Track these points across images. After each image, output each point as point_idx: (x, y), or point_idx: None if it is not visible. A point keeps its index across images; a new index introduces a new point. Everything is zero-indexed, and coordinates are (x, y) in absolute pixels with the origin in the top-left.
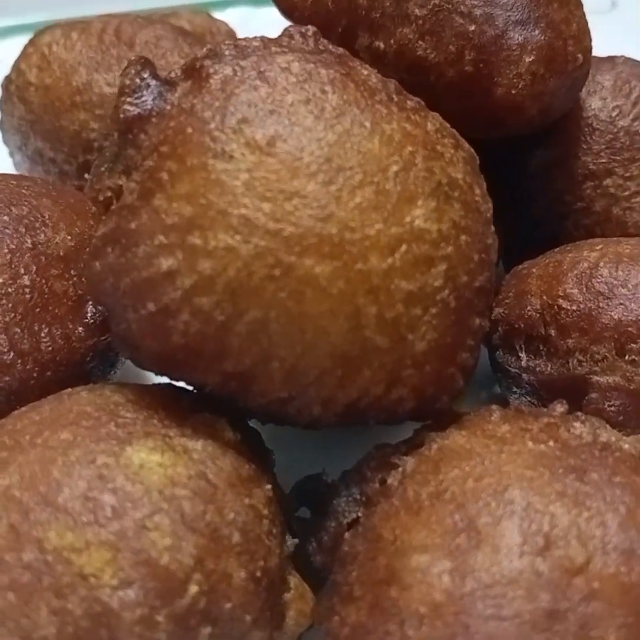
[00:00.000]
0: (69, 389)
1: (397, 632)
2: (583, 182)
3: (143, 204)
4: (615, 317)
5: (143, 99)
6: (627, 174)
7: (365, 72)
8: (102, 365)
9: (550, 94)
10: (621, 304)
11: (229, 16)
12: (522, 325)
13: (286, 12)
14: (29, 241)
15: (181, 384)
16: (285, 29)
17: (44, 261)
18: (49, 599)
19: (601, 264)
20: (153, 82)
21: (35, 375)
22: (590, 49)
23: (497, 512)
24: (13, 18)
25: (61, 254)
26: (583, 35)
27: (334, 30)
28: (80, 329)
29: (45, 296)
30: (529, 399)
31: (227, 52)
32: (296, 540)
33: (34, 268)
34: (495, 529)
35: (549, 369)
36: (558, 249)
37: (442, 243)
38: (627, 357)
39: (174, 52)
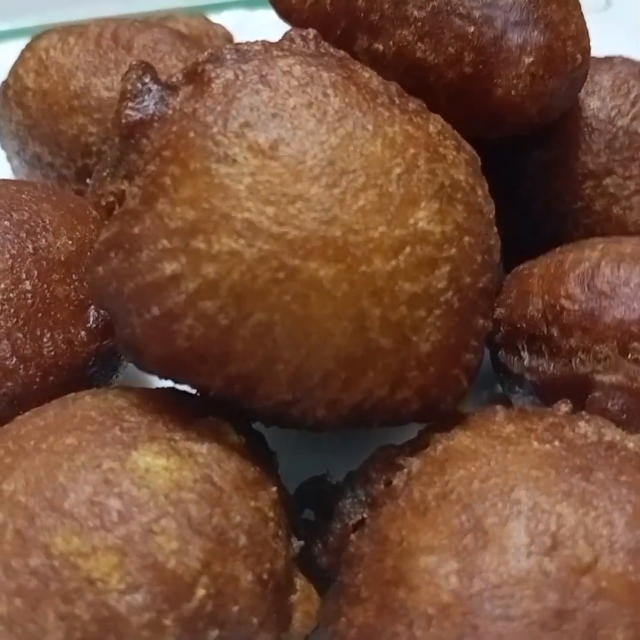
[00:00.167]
0: (73, 394)
1: (406, 633)
2: (583, 181)
3: (146, 208)
4: (618, 316)
5: (145, 103)
6: (627, 174)
7: (367, 75)
8: (104, 369)
9: (550, 95)
10: (623, 303)
11: (225, 19)
12: (524, 325)
13: (284, 14)
14: (30, 246)
15: (184, 387)
16: (286, 33)
17: (45, 266)
18: (56, 604)
19: (603, 263)
20: (154, 87)
21: (38, 380)
22: (589, 49)
23: (503, 512)
24: (9, 22)
25: (62, 258)
26: (582, 36)
27: (333, 32)
28: (83, 333)
29: (47, 301)
30: (531, 398)
31: (228, 56)
32: (302, 542)
33: (36, 273)
34: (502, 529)
35: (551, 368)
36: (559, 248)
37: (446, 245)
38: (630, 356)
39: (172, 56)
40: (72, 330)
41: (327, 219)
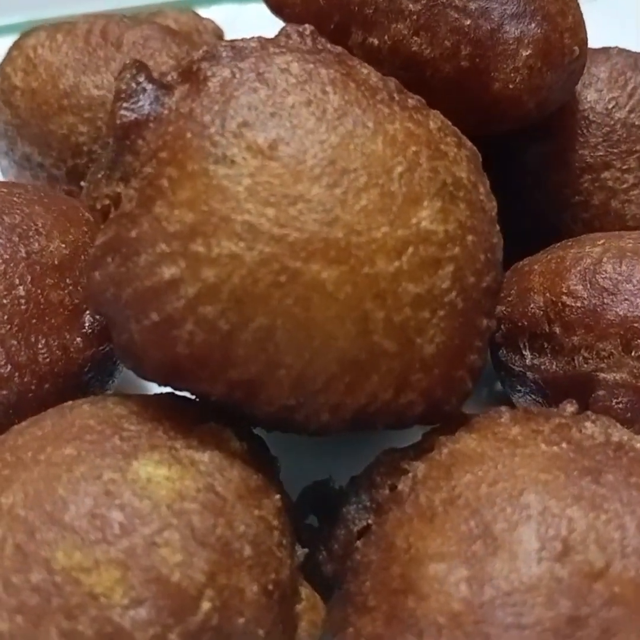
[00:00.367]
0: (70, 402)
1: None
2: (581, 175)
3: (143, 211)
4: (621, 313)
5: (140, 103)
6: (625, 167)
7: (365, 71)
8: (100, 375)
9: (548, 88)
10: (626, 299)
11: (214, 14)
12: (526, 323)
13: (276, 9)
14: (22, 250)
15: (183, 393)
16: (282, 28)
17: (38, 271)
18: (59, 620)
19: (604, 259)
20: (149, 86)
21: (33, 388)
22: (586, 41)
23: (513, 517)
24: None
25: (56, 262)
26: (579, 27)
27: (326, 27)
28: (79, 339)
29: (41, 306)
30: (533, 397)
31: (224, 54)
32: (306, 550)
33: (29, 278)
34: (512, 535)
35: (554, 366)
36: (559, 244)
37: (449, 244)
38: (633, 353)
39: (163, 52)
40: (68, 336)
41: (329, 220)
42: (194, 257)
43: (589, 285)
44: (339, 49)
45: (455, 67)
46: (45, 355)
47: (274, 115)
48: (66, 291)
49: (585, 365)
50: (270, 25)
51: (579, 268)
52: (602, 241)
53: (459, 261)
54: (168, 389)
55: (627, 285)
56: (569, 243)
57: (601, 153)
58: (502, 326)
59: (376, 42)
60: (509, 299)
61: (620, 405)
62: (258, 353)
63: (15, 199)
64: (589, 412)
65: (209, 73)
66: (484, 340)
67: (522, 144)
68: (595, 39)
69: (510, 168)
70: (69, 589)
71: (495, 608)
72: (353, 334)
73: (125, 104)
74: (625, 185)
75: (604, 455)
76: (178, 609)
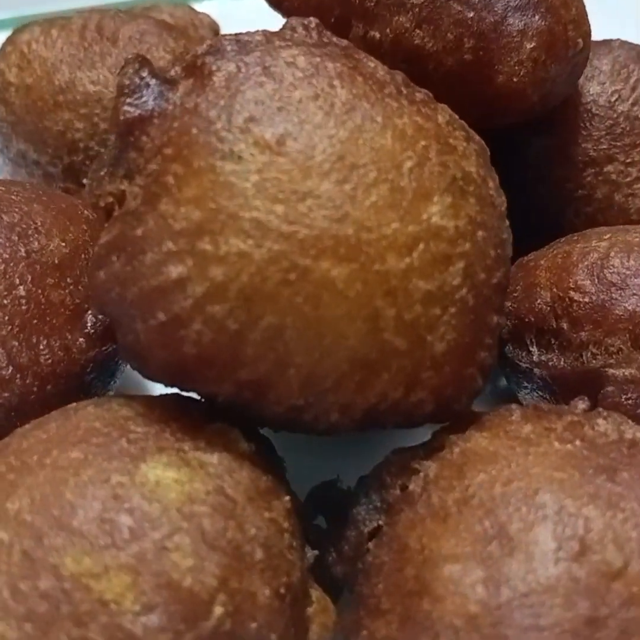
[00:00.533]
0: (74, 404)
1: None
2: (584, 169)
3: (149, 209)
4: (630, 308)
5: (143, 99)
6: (628, 160)
7: (372, 65)
8: (102, 375)
9: (552, 81)
10: (635, 294)
11: (207, 8)
12: (533, 319)
13: (275, 3)
14: (22, 250)
15: (189, 393)
16: (287, 21)
17: (39, 270)
18: (69, 628)
19: (612, 254)
20: (153, 81)
21: (35, 389)
22: (589, 33)
23: (528, 517)
24: None
25: (56, 261)
26: (582, 20)
27: (327, 20)
28: (81, 339)
29: (42, 307)
30: (540, 393)
31: (228, 48)
32: (316, 552)
33: (30, 278)
34: (528, 535)
35: (562, 362)
36: (564, 239)
37: (460, 240)
38: None
39: (160, 47)
40: (69, 337)
41: (339, 216)
42: (201, 256)
43: (596, 280)
44: (345, 42)
45: (458, 60)
46: (47, 356)
47: (281, 109)
48: (67, 291)
49: (594, 361)
50: (265, 19)
51: (586, 263)
52: (608, 235)
53: (470, 257)
54: (170, 389)
55: (636, 280)
56: (575, 238)
57: (604, 146)
58: (508, 322)
59: (378, 35)
60: (515, 294)
61: (630, 401)
62: (267, 352)
63: (13, 197)
64: (600, 409)
65: (213, 67)
66: (494, 337)
67: (525, 138)
68: (595, 31)
69: (512, 162)
70: (78, 595)
71: (513, 610)
72: (363, 332)
73: (128, 100)
74: (628, 179)
75: (618, 453)
76: (190, 615)
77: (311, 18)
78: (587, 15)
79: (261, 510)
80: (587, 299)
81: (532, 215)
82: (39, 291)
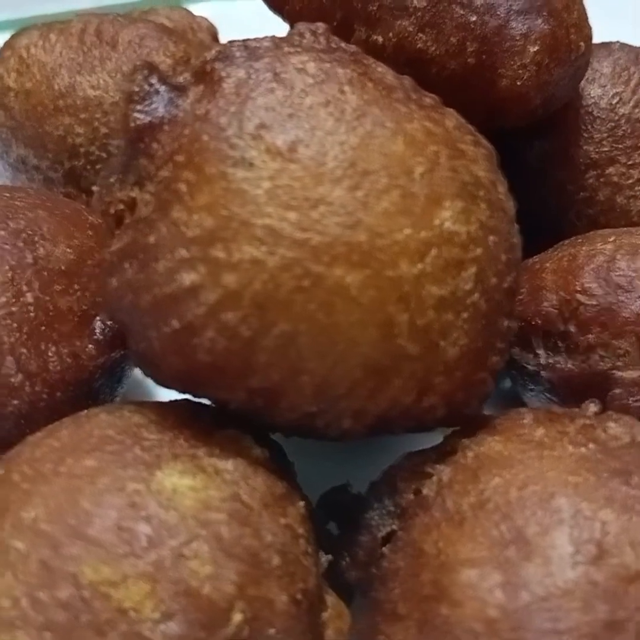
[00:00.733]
0: (85, 411)
1: None
2: (585, 171)
3: (161, 216)
4: (637, 310)
5: (153, 106)
6: (630, 162)
7: (381, 70)
8: (110, 382)
9: (555, 84)
10: None
11: (201, 10)
12: (539, 322)
13: (275, 6)
14: (29, 256)
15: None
16: (294, 27)
17: (46, 277)
18: (89, 637)
19: (618, 256)
20: (162, 88)
21: (44, 397)
22: (591, 36)
23: (545, 521)
24: None
25: (62, 268)
26: (584, 23)
27: (328, 24)
28: (90, 346)
29: (50, 313)
30: (546, 396)
31: (237, 54)
32: (330, 557)
33: (37, 284)
34: (545, 539)
35: (569, 365)
36: (568, 241)
37: (471, 245)
38: None
39: (160, 51)
40: (78, 343)
41: (351, 223)
42: (214, 263)
43: (603, 282)
44: (353, 47)
45: (461, 64)
46: (56, 363)
47: (292, 116)
48: (74, 297)
49: (601, 364)
50: (261, 21)
51: (592, 266)
52: (612, 238)
53: (482, 262)
54: (175, 394)
55: None
56: (579, 240)
57: (606, 149)
58: None
59: (380, 39)
60: (520, 297)
61: (638, 404)
62: (280, 359)
63: (17, 203)
64: (611, 412)
65: (223, 74)
66: (505, 341)
67: (526, 141)
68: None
69: (513, 165)
70: (97, 604)
71: (532, 613)
72: (376, 339)
73: (138, 106)
74: (630, 181)
75: (632, 456)
76: (209, 622)
77: (319, 23)
78: (588, 19)
79: (277, 516)
80: (594, 302)
81: (534, 218)
82: (47, 298)
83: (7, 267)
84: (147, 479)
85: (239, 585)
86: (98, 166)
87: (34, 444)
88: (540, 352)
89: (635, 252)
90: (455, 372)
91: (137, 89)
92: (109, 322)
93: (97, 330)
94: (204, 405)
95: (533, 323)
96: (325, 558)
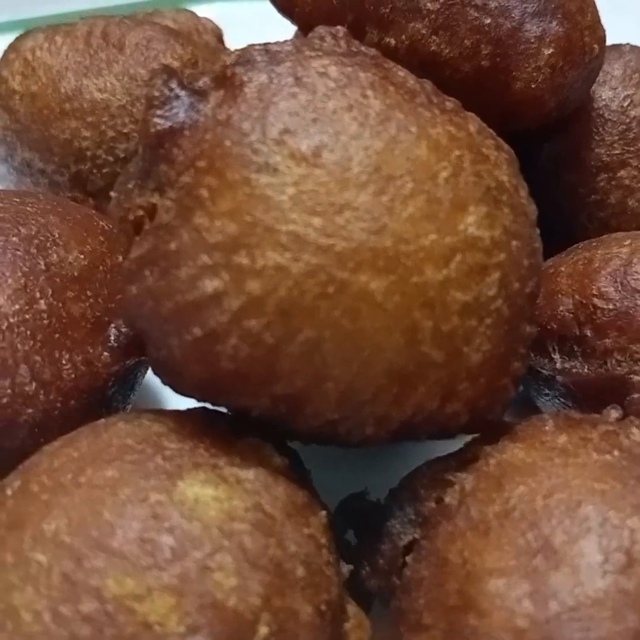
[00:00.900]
0: (103, 420)
1: None
2: (597, 174)
3: (182, 222)
4: None
5: (174, 111)
6: None
7: (402, 74)
8: (122, 389)
9: (569, 86)
10: None
11: (204, 12)
12: (555, 326)
13: (285, 9)
14: (42, 263)
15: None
16: (314, 30)
17: (59, 283)
18: None
19: (634, 260)
20: (183, 93)
21: (58, 405)
22: (604, 39)
23: (572, 529)
24: None
25: (75, 274)
26: (597, 25)
27: None
28: (105, 353)
29: (64, 320)
30: (562, 400)
31: (258, 58)
32: (351, 567)
33: (50, 291)
34: (573, 548)
35: (585, 370)
36: (582, 245)
37: (495, 250)
38: None
39: (167, 54)
40: (91, 351)
41: (377, 228)
42: (237, 269)
43: (620, 286)
44: (373, 51)
45: (475, 67)
46: (70, 371)
47: (316, 121)
48: (87, 303)
49: (619, 368)
50: (266, 22)
51: (608, 270)
52: (628, 241)
53: (505, 267)
54: (187, 401)
55: None
56: (594, 244)
57: (617, 151)
58: None
59: (393, 42)
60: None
61: None
62: (304, 366)
63: (28, 208)
64: (632, 418)
65: (245, 78)
66: (526, 346)
67: (536, 144)
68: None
69: (524, 168)
70: (122, 618)
71: (562, 623)
72: (401, 345)
73: (158, 112)
74: None
75: None
76: (235, 635)
77: (339, 27)
78: (600, 21)
79: (300, 526)
80: (611, 306)
81: (545, 221)
82: (60, 305)
83: (19, 274)
84: (170, 489)
85: (265, 597)
86: (105, 170)
87: (51, 454)
88: (556, 356)
89: None
90: (478, 379)
91: (157, 94)
92: (123, 329)
93: (112, 337)
94: (221, 413)
95: (548, 327)
96: (346, 568)
